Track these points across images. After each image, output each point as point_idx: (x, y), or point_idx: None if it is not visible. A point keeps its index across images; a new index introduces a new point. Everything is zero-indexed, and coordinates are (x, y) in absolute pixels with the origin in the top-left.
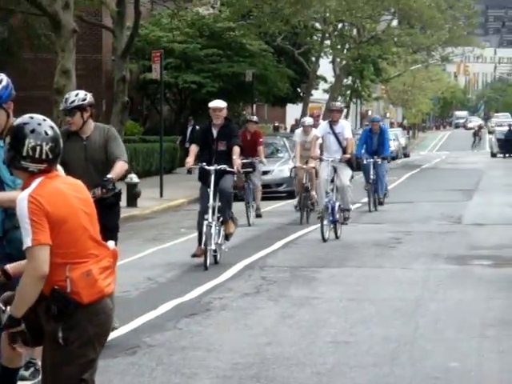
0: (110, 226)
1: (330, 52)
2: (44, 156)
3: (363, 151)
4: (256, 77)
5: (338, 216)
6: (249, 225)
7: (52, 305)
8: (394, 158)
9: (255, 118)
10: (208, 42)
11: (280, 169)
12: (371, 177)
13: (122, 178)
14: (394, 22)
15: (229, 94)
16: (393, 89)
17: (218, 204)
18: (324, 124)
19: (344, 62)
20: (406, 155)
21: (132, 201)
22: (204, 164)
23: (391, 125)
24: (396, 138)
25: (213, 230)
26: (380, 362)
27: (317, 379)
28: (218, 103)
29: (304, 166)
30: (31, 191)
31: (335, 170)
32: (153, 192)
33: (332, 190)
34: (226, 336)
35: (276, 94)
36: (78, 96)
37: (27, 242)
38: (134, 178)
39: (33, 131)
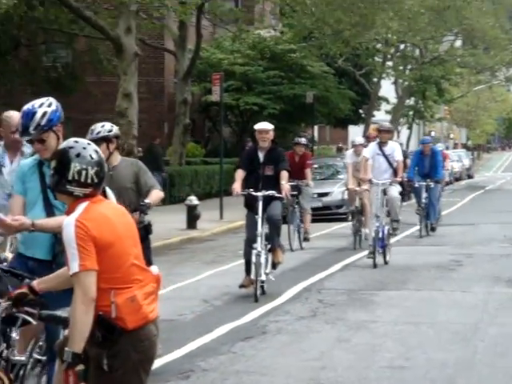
0: None
1: (392, 73)
2: (89, 180)
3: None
4: (317, 98)
5: (386, 241)
6: (291, 250)
7: (97, 331)
8: (457, 179)
9: (303, 141)
10: (269, 64)
11: (340, 190)
12: (423, 200)
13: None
14: (457, 43)
15: (290, 115)
16: (456, 109)
17: (265, 231)
18: (373, 145)
19: (406, 83)
20: (470, 176)
21: (192, 223)
22: (251, 190)
23: (455, 146)
24: (460, 159)
25: (262, 260)
26: None
27: None
28: (265, 125)
29: (357, 188)
30: (78, 216)
31: (385, 192)
32: (213, 214)
33: (382, 212)
34: (281, 360)
35: (337, 116)
36: (104, 127)
37: (74, 267)
38: (193, 200)
39: (78, 155)
